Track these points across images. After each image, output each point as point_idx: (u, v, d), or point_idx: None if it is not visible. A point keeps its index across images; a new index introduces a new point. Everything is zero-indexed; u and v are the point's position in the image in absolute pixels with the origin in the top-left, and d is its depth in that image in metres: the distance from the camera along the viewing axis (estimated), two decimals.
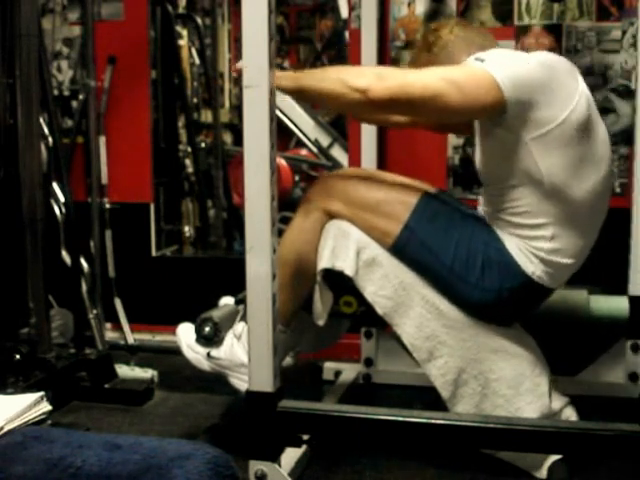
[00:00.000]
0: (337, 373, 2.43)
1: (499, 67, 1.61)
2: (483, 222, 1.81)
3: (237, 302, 1.94)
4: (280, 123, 3.84)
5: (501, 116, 1.62)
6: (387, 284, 1.79)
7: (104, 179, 2.86)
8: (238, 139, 4.49)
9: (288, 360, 1.97)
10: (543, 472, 1.75)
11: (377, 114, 1.85)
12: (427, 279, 1.80)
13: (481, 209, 1.85)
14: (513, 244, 1.74)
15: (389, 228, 1.79)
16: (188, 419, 2.14)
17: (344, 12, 4.03)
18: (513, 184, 1.70)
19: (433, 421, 1.59)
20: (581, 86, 1.69)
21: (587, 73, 2.41)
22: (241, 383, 1.81)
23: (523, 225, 1.72)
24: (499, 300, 1.75)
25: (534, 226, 1.71)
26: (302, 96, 1.82)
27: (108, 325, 2.86)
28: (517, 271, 1.73)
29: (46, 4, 2.87)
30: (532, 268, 1.73)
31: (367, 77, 1.61)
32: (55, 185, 2.42)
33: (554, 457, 1.73)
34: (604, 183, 1.74)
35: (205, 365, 1.88)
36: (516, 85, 1.59)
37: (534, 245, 1.72)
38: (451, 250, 1.75)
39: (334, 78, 1.65)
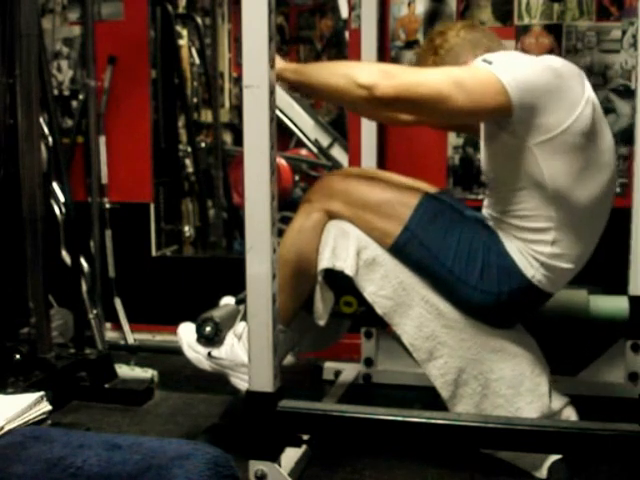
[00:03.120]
0: (337, 373, 2.43)
1: (506, 70, 1.60)
2: (484, 224, 1.81)
3: (238, 302, 1.94)
4: (280, 123, 3.84)
5: (506, 120, 1.62)
6: (387, 284, 1.79)
7: (104, 179, 2.86)
8: (238, 139, 4.48)
9: (289, 359, 1.97)
10: (543, 472, 1.75)
11: (381, 111, 1.84)
12: (427, 280, 1.80)
13: (484, 211, 1.85)
14: (514, 247, 1.74)
15: (389, 228, 1.79)
16: (188, 419, 2.14)
17: (344, 12, 4.03)
18: (516, 187, 1.70)
19: (433, 421, 1.59)
20: (587, 92, 1.68)
21: (587, 73, 2.40)
22: (242, 383, 1.82)
23: (525, 228, 1.72)
24: (498, 302, 1.75)
25: (536, 230, 1.71)
26: (305, 89, 1.80)
27: (108, 325, 2.86)
28: (517, 274, 1.73)
29: (46, 4, 2.87)
30: (532, 272, 1.73)
31: (373, 74, 1.60)
32: (55, 185, 2.42)
33: (554, 457, 1.73)
34: (607, 189, 1.74)
35: (206, 365, 1.88)
36: (522, 89, 1.59)
37: (535, 249, 1.72)
38: (451, 252, 1.75)
39: (340, 73, 1.64)
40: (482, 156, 1.78)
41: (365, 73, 1.61)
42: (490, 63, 1.62)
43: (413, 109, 1.72)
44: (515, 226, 1.73)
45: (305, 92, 1.78)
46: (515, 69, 1.62)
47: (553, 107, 1.62)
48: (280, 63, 1.71)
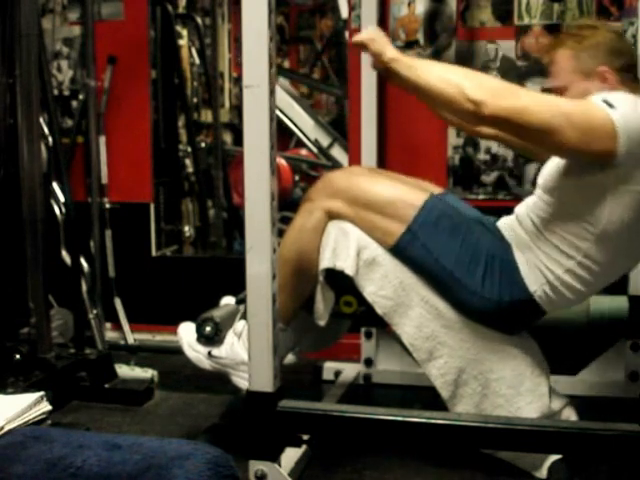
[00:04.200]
0: (337, 373, 2.43)
1: (624, 118, 1.56)
2: (492, 230, 1.80)
3: (238, 302, 1.94)
4: (280, 123, 3.84)
5: (605, 163, 1.59)
6: (387, 284, 1.79)
7: (104, 179, 2.86)
8: (238, 139, 4.48)
9: (291, 357, 1.97)
10: (543, 472, 1.75)
11: (482, 128, 1.79)
12: (427, 281, 1.80)
13: (521, 209, 1.82)
14: (524, 259, 1.73)
15: (392, 228, 1.78)
16: (188, 419, 2.14)
17: (344, 12, 4.03)
18: (571, 210, 1.67)
19: (433, 421, 1.59)
20: None
21: None
22: (243, 382, 1.81)
23: (552, 244, 1.70)
24: (499, 309, 1.75)
25: (560, 251, 1.69)
26: (407, 85, 1.70)
27: (108, 325, 2.85)
28: (520, 286, 1.73)
29: (46, 4, 2.87)
30: (535, 287, 1.72)
31: (485, 90, 1.57)
32: (55, 185, 2.42)
33: (554, 457, 1.73)
34: None
35: (206, 364, 1.88)
36: (634, 141, 1.56)
37: (548, 265, 1.71)
38: (453, 255, 1.75)
39: (451, 81, 1.60)
40: (552, 164, 1.74)
41: (477, 87, 1.57)
42: (611, 106, 1.57)
43: (517, 133, 1.66)
44: (546, 238, 1.71)
45: (404, 87, 1.72)
46: (633, 119, 1.57)
47: None
48: (391, 51, 1.68)
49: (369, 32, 1.75)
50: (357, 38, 1.74)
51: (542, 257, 1.72)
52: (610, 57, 1.76)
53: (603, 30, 1.82)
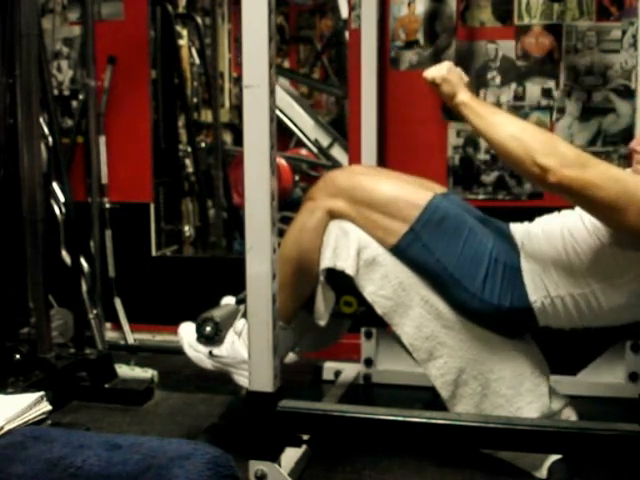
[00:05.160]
0: (337, 373, 2.43)
1: None
2: (503, 233, 1.80)
3: (238, 302, 1.94)
4: (280, 123, 3.84)
5: None
6: (387, 284, 1.79)
7: (104, 179, 2.86)
8: (238, 139, 4.48)
9: (291, 356, 1.97)
10: (543, 472, 1.75)
11: (545, 189, 1.78)
12: (427, 281, 1.79)
13: (550, 219, 1.81)
14: (530, 268, 1.73)
15: (394, 228, 1.77)
16: (188, 419, 2.14)
17: (344, 12, 4.03)
18: (606, 252, 1.66)
19: (433, 421, 1.59)
20: None
21: (587, 73, 2.42)
22: (245, 380, 1.80)
23: (568, 264, 1.69)
24: (497, 313, 1.74)
25: (572, 275, 1.69)
26: (476, 132, 1.69)
27: (108, 325, 2.85)
28: (520, 294, 1.73)
29: (46, 4, 2.87)
30: (535, 297, 1.72)
31: (553, 157, 1.54)
32: (55, 185, 2.42)
33: (554, 457, 1.73)
34: None
35: (207, 364, 1.88)
36: None
37: (555, 280, 1.70)
38: (455, 257, 1.74)
39: (522, 143, 1.57)
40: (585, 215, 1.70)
41: (546, 154, 1.55)
42: None
43: (579, 202, 1.64)
44: (565, 258, 1.69)
45: (473, 131, 1.73)
46: None
47: None
48: (462, 93, 1.66)
49: (443, 68, 1.71)
50: (429, 74, 1.71)
51: (552, 271, 1.71)
52: None
53: None
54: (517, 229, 1.83)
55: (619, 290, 1.66)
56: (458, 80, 1.69)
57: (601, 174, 1.56)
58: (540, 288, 1.72)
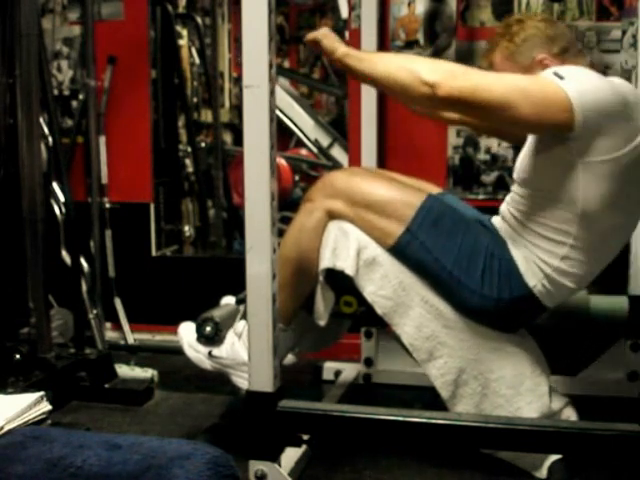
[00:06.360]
0: (337, 373, 2.43)
1: (576, 88, 1.56)
2: (490, 229, 1.80)
3: (238, 302, 1.94)
4: (280, 123, 3.84)
5: (564, 136, 1.59)
6: (387, 284, 1.79)
7: (104, 179, 2.87)
8: (238, 139, 4.48)
9: (291, 357, 1.97)
10: (543, 472, 1.75)
11: (439, 110, 1.80)
12: (427, 281, 1.80)
13: (505, 207, 1.83)
14: (520, 254, 1.73)
15: (391, 228, 1.78)
16: (188, 419, 2.14)
17: (344, 12, 4.03)
18: (548, 196, 1.68)
19: (433, 421, 1.59)
20: None
21: None
22: (243, 381, 1.81)
23: (541, 235, 1.71)
24: (498, 308, 1.74)
25: (551, 240, 1.69)
26: (363, 77, 1.74)
27: (108, 325, 2.86)
28: (519, 282, 1.73)
29: (46, 4, 2.87)
30: (534, 282, 1.72)
31: (439, 72, 1.58)
32: (55, 185, 2.42)
33: (554, 457, 1.73)
34: (634, 224, 1.74)
35: (207, 364, 1.88)
36: (589, 110, 1.56)
37: (543, 258, 1.71)
38: (452, 255, 1.75)
39: (405, 67, 1.61)
40: (522, 156, 1.75)
41: (431, 70, 1.58)
42: (561, 78, 1.58)
43: (473, 113, 1.69)
44: (532, 230, 1.72)
45: (361, 80, 1.74)
46: (585, 88, 1.58)
47: (613, 133, 1.59)
48: (342, 47, 1.69)
49: (321, 30, 1.76)
50: (309, 36, 1.76)
51: (536, 251, 1.72)
52: (545, 46, 1.78)
53: (531, 21, 1.83)
54: (496, 221, 1.84)
55: (588, 214, 1.64)
56: (335, 37, 1.73)
57: (485, 77, 1.62)
58: (536, 271, 1.72)
